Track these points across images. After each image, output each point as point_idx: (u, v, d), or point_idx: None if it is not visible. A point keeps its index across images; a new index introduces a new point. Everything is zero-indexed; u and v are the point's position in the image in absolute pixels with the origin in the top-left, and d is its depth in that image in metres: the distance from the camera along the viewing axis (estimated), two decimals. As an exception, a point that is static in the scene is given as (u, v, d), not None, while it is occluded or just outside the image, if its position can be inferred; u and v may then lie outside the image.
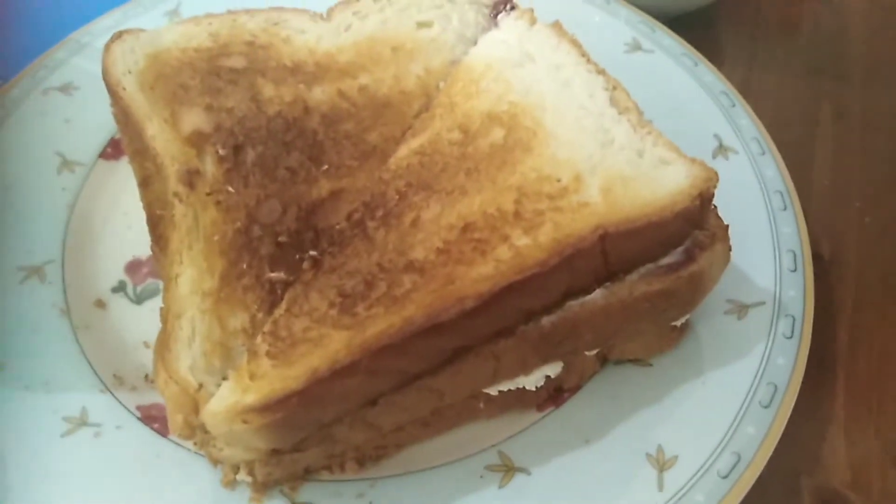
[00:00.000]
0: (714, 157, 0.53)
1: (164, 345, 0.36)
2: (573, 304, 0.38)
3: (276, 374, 0.34)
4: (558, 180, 0.40)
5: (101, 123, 0.55)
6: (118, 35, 0.47)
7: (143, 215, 0.48)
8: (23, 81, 0.57)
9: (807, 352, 0.44)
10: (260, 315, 0.37)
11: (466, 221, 0.38)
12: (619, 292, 0.38)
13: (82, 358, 0.45)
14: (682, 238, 0.39)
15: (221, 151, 0.43)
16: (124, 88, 0.45)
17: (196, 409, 0.35)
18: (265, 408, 0.33)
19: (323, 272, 0.38)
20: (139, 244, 0.50)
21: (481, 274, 0.35)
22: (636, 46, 0.61)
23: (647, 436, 0.41)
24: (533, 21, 0.50)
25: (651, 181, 0.39)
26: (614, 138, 0.41)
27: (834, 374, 0.50)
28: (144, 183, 0.45)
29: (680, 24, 0.65)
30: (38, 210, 0.51)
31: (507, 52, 0.48)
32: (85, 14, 0.64)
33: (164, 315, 0.37)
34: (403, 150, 0.44)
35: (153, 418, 0.43)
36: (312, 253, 0.39)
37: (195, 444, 0.36)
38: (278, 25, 0.49)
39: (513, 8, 0.52)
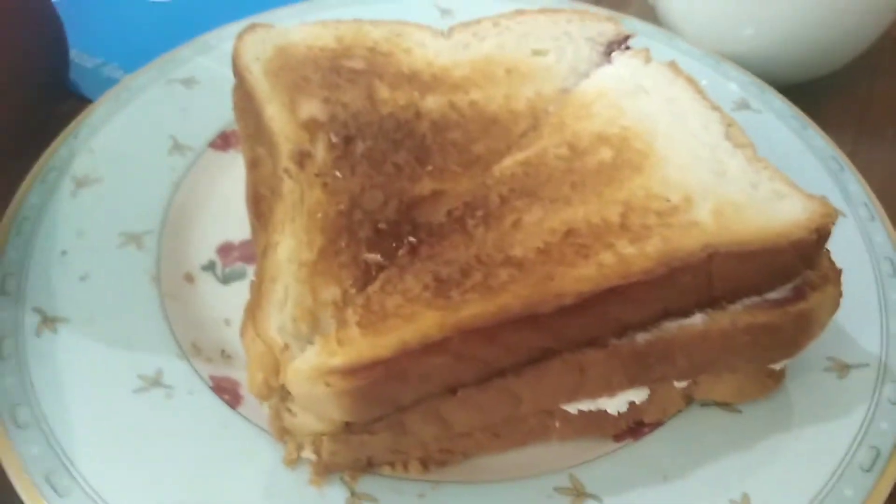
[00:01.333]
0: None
1: (255, 303, 0.36)
2: (671, 326, 0.36)
3: (364, 342, 0.33)
4: (668, 200, 0.39)
5: (215, 116, 0.57)
6: (251, 26, 0.50)
7: (241, 203, 0.50)
8: (150, 72, 0.61)
9: (914, 422, 0.41)
10: (353, 291, 0.37)
11: (570, 227, 0.38)
12: (721, 320, 0.37)
13: (165, 324, 0.45)
14: (793, 275, 0.38)
15: (334, 139, 0.44)
16: (251, 72, 0.47)
17: (277, 370, 0.34)
18: (351, 372, 0.32)
19: (419, 259, 0.38)
20: (233, 228, 0.52)
21: (583, 275, 0.35)
22: (744, 105, 0.60)
23: (732, 482, 0.39)
24: (648, 59, 0.50)
25: (765, 210, 0.37)
26: (728, 169, 0.40)
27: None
28: (253, 164, 0.47)
29: (788, 94, 0.65)
30: (145, 183, 0.53)
31: (620, 83, 0.48)
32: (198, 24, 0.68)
33: (258, 279, 0.38)
34: (508, 161, 0.44)
35: (224, 390, 0.43)
36: (411, 239, 0.39)
37: (269, 406, 0.36)
38: (401, 37, 0.51)
39: (627, 48, 0.53)
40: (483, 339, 0.33)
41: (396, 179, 0.43)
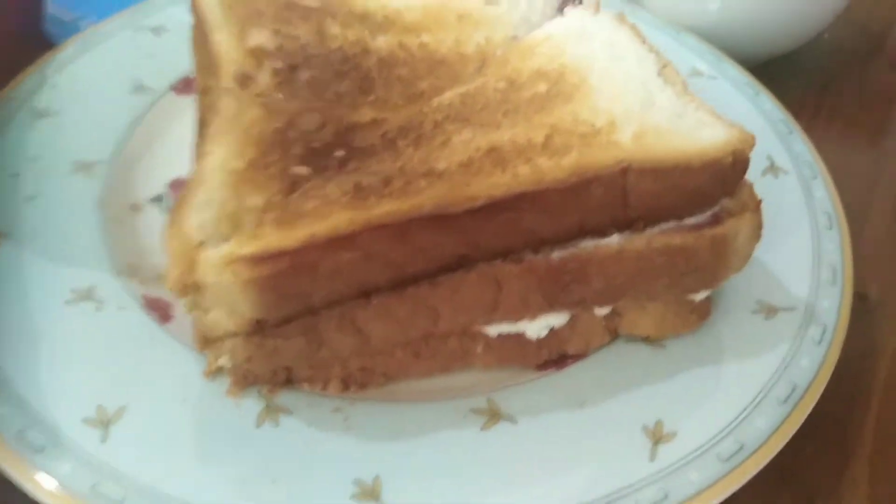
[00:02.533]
0: (763, 174, 0.52)
1: (180, 204, 0.36)
2: (587, 244, 0.37)
3: (276, 235, 0.34)
4: (593, 125, 0.39)
5: (180, 62, 0.58)
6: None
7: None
8: (120, 19, 0.62)
9: (835, 360, 0.41)
10: (277, 199, 0.38)
11: (492, 146, 0.38)
12: (637, 241, 0.37)
13: (103, 244, 0.46)
14: (711, 201, 0.38)
15: (278, 65, 0.45)
16: (203, 2, 0.48)
17: (194, 268, 0.35)
18: (257, 260, 0.33)
19: (345, 171, 0.39)
20: (187, 166, 0.52)
21: (498, 182, 0.35)
22: (698, 73, 0.61)
23: (648, 409, 0.39)
24: (597, 9, 0.51)
25: (685, 135, 0.38)
26: (656, 101, 0.41)
27: (867, 409, 0.46)
28: (203, 93, 0.47)
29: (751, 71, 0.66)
30: (103, 119, 0.54)
31: (566, 29, 0.49)
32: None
33: (187, 184, 0.38)
34: (449, 94, 0.45)
35: (155, 308, 0.43)
36: (339, 153, 0.39)
37: (185, 305, 0.36)
38: (354, -20, 0.52)
39: (580, 3, 0.54)
40: (393, 236, 0.34)
41: (337, 107, 0.44)
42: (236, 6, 0.49)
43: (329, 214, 0.34)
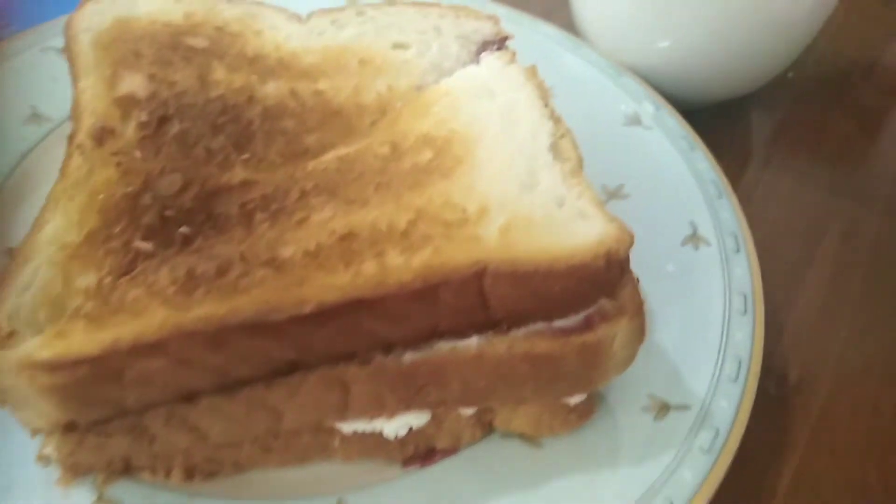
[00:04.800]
0: (683, 244, 0.49)
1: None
2: (442, 346, 0.34)
3: (82, 336, 0.31)
4: (463, 210, 0.36)
5: (83, 88, 0.55)
6: (95, -5, 0.47)
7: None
8: (28, 37, 0.59)
9: (723, 470, 0.38)
10: (108, 280, 0.34)
11: (350, 230, 0.35)
12: (497, 345, 0.34)
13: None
14: (585, 302, 0.35)
15: (145, 117, 0.41)
16: (77, 42, 0.44)
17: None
18: (53, 367, 0.30)
19: (187, 251, 0.35)
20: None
21: (335, 282, 0.32)
22: (635, 121, 0.57)
23: (513, 517, 0.36)
24: (511, 61, 0.47)
25: (557, 231, 0.34)
26: (539, 182, 0.37)
27: (766, 514, 0.43)
28: (70, 140, 0.44)
29: (703, 113, 0.62)
30: (-13, 151, 0.51)
31: (470, 83, 0.45)
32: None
33: (14, 258, 0.35)
34: (331, 155, 0.41)
35: None
36: (184, 230, 0.36)
37: (-3, 397, 0.33)
38: (254, 18, 0.49)
39: (498, 48, 0.50)
40: (207, 343, 0.30)
41: (204, 165, 0.41)
42: (113, 47, 0.45)
43: (144, 311, 0.31)
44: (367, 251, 0.34)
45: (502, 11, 0.65)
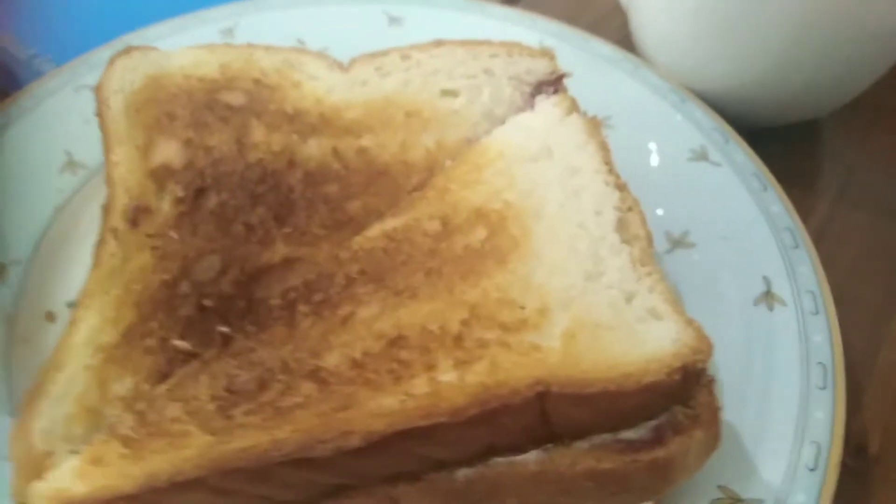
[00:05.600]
0: (756, 303, 0.45)
1: (32, 396, 0.32)
2: (499, 462, 0.31)
3: (118, 466, 0.29)
4: (522, 308, 0.33)
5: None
6: (127, 50, 0.45)
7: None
8: (61, 75, 0.57)
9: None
10: (146, 386, 0.33)
11: (399, 333, 0.33)
12: (559, 460, 0.31)
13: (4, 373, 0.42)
14: (656, 412, 0.32)
15: (181, 192, 0.39)
16: (109, 106, 0.42)
17: (39, 475, 0.30)
18: (87, 502, 0.28)
19: (228, 353, 0.33)
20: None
21: (383, 407, 0.30)
22: (702, 156, 0.53)
23: None
24: (570, 110, 0.43)
25: (628, 337, 0.31)
26: (605, 271, 0.34)
27: None
28: (104, 215, 0.42)
29: (771, 136, 0.57)
30: (26, 206, 0.49)
31: (526, 140, 0.42)
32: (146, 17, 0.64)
33: (48, 361, 0.34)
34: (375, 230, 0.39)
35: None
36: (223, 329, 0.34)
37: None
38: (293, 68, 0.46)
39: (556, 91, 0.46)
40: (249, 477, 0.28)
41: (244, 243, 0.39)
42: (145, 109, 0.43)
43: (183, 440, 0.29)
44: (418, 361, 0.31)
45: (552, 28, 0.61)
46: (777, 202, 0.50)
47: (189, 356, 0.34)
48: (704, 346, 0.31)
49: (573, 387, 0.29)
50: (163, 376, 0.33)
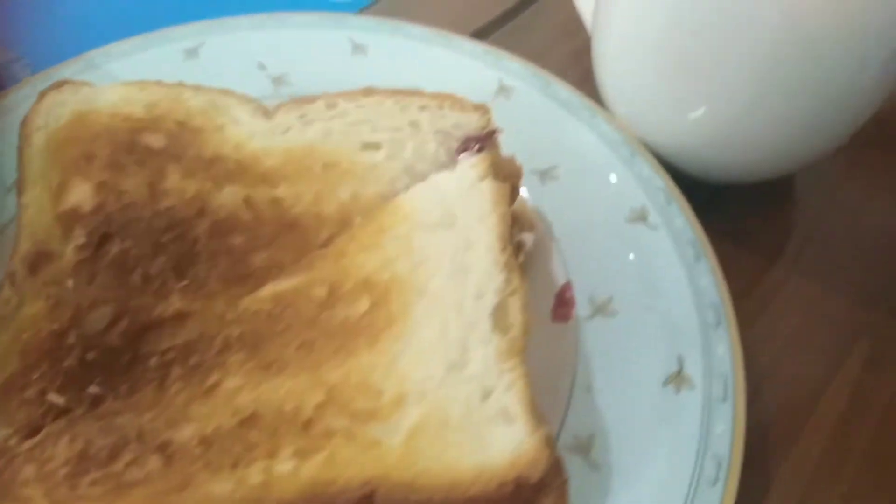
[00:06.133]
0: (665, 384, 0.44)
1: None
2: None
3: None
4: (379, 394, 0.33)
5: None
6: (58, 84, 0.46)
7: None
8: (23, 89, 0.58)
9: None
10: (14, 441, 0.34)
11: (255, 411, 0.33)
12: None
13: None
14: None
15: (84, 238, 0.40)
16: (30, 144, 0.43)
17: None
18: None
19: (95, 413, 0.34)
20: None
21: (212, 494, 0.30)
22: (641, 216, 0.52)
23: None
24: (486, 174, 0.43)
25: (471, 440, 0.31)
26: (468, 363, 0.34)
27: None
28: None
29: (734, 191, 0.56)
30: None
31: (433, 204, 0.41)
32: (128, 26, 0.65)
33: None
34: (268, 290, 0.39)
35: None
36: (94, 389, 0.35)
37: None
38: (218, 110, 0.46)
39: (481, 150, 0.46)
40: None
41: (139, 294, 0.39)
42: (65, 148, 0.44)
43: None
44: (263, 445, 0.32)
45: (514, 67, 0.60)
46: (708, 275, 0.48)
47: (62, 412, 0.35)
48: (542, 459, 0.30)
49: (401, 491, 0.29)
50: (35, 431, 0.34)
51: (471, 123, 0.47)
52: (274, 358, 0.35)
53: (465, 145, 0.46)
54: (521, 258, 0.47)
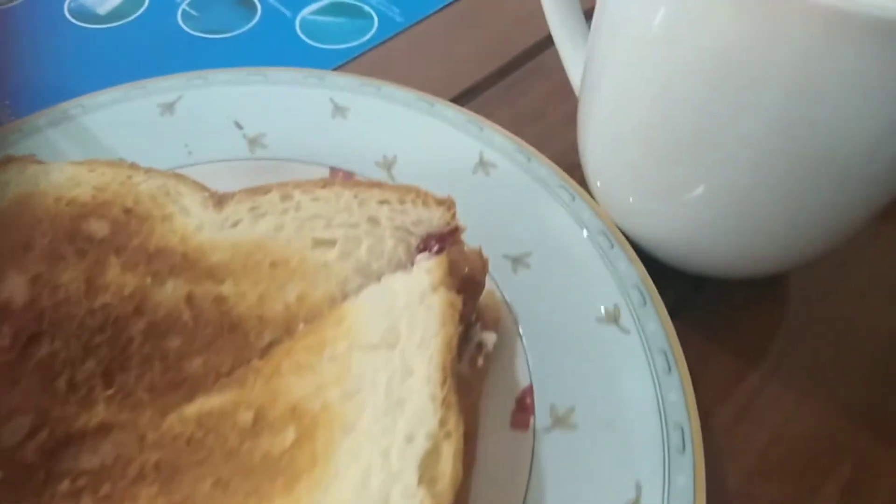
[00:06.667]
0: (621, 511, 0.42)
1: None
2: None
3: None
4: (287, 553, 0.31)
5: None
6: (4, 162, 0.44)
7: None
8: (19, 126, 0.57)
9: None
10: None
11: (156, 560, 0.31)
12: None
13: None
14: None
15: (9, 338, 0.38)
16: (-30, 229, 0.41)
17: None
18: None
19: (-5, 547, 0.32)
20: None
21: None
22: (613, 317, 0.49)
23: None
24: (439, 283, 0.40)
25: None
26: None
27: None
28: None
29: (721, 286, 0.53)
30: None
31: (378, 317, 0.39)
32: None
33: None
34: (194, 408, 0.37)
35: None
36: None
37: None
38: (168, 197, 0.44)
39: (441, 250, 0.43)
40: None
41: (63, 403, 0.37)
42: (5, 234, 0.42)
43: None
44: None
45: (496, 139, 0.58)
46: (678, 390, 0.46)
47: (-38, 539, 0.33)
48: None
49: None
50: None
51: (433, 219, 0.45)
52: (186, 494, 0.33)
53: (426, 243, 0.44)
54: (481, 361, 0.45)
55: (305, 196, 0.44)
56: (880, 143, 0.41)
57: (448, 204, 0.45)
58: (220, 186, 0.52)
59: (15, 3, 0.75)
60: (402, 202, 0.44)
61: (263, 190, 0.44)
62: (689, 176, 0.47)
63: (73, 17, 0.74)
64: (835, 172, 0.43)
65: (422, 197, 0.45)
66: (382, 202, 0.44)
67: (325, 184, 0.45)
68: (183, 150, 0.56)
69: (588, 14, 0.56)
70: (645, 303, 0.49)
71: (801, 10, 0.35)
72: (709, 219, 0.49)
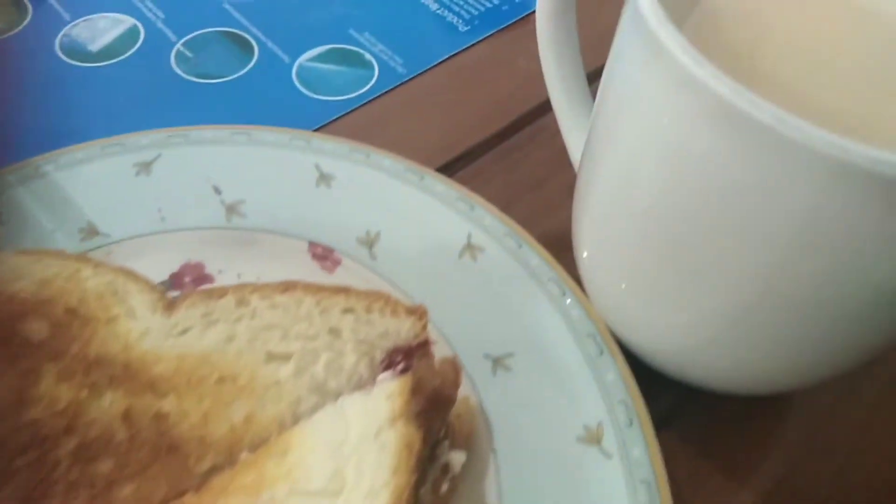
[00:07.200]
0: None
1: None
2: None
3: None
4: None
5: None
6: (-52, 247, 0.41)
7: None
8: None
9: None
10: None
11: None
12: None
13: None
14: None
15: (-74, 461, 0.35)
16: None
17: None
18: None
19: None
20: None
21: None
22: (595, 438, 0.45)
23: None
24: (397, 416, 0.37)
25: None
26: None
27: None
28: None
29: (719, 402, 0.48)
30: None
31: (325, 459, 0.36)
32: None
33: None
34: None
35: None
36: None
37: None
38: (116, 296, 0.41)
39: (406, 369, 0.40)
40: None
41: (-24, 536, 0.34)
42: (-59, 335, 0.39)
43: None
44: None
45: (487, 220, 0.54)
46: (660, 517, 0.41)
47: None
48: None
49: None
50: None
51: (402, 331, 0.41)
52: None
53: (391, 359, 0.40)
54: (445, 486, 0.41)
55: (263, 302, 0.41)
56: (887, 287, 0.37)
57: (419, 313, 0.41)
58: (191, 256, 0.50)
59: (3, 36, 0.72)
60: (368, 311, 0.41)
61: (219, 293, 0.41)
62: (686, 290, 0.43)
63: (63, 53, 0.71)
64: (843, 305, 0.39)
65: (391, 305, 0.41)
66: (347, 311, 0.41)
67: (286, 287, 0.41)
68: (156, 215, 0.53)
69: (591, 77, 0.52)
70: (631, 423, 0.45)
71: (807, 160, 0.30)
72: (706, 335, 0.44)
